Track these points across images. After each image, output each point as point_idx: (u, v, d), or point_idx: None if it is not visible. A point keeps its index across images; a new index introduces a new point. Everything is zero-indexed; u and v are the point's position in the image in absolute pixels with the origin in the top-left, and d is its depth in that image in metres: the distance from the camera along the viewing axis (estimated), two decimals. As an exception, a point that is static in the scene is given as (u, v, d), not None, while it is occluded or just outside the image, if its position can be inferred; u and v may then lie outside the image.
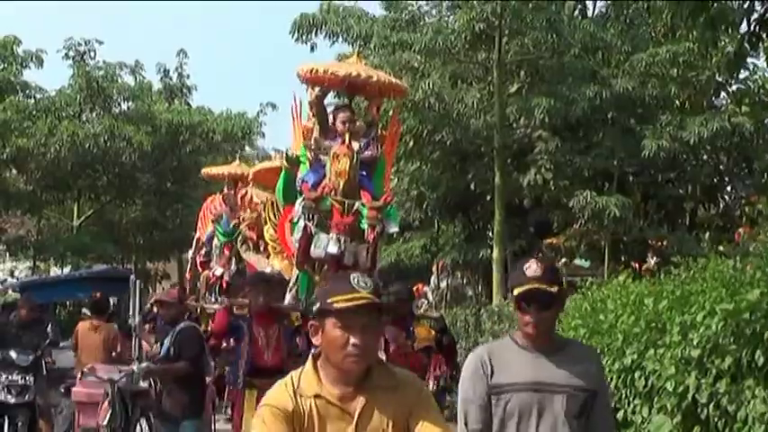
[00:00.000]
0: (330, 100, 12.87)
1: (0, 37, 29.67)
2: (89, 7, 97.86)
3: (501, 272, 21.91)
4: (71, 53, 33.68)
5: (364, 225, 11.09)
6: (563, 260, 27.78)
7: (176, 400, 10.28)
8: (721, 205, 25.85)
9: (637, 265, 22.66)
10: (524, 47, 22.28)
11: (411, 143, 22.63)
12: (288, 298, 11.95)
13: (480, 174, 22.81)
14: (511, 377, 4.75)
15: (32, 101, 29.27)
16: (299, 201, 11.48)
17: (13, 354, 14.66)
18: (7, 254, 37.65)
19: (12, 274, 44.54)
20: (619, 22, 23.42)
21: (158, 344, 11.09)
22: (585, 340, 10.60)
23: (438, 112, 21.63)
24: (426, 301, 32.80)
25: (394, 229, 11.99)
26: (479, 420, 4.78)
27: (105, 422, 11.26)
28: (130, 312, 14.68)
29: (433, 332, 12.03)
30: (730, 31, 10.83)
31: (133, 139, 29.66)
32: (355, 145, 11.44)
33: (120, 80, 34.68)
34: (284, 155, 12.23)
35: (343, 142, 11.35)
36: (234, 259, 17.50)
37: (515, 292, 4.76)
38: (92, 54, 34.06)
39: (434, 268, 38.49)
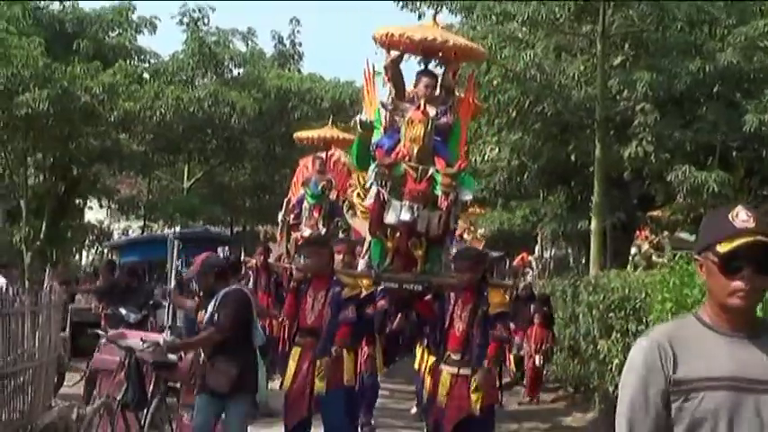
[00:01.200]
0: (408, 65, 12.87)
1: (116, 3, 30.48)
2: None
3: (599, 243, 21.93)
4: (185, 19, 34.49)
5: (438, 192, 11.15)
6: (665, 233, 27.74)
7: (222, 372, 9.43)
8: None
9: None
10: (629, 19, 22.18)
11: (514, 114, 22.69)
12: (361, 264, 12.22)
13: (581, 145, 22.79)
14: (703, 370, 3.59)
15: (142, 65, 30.05)
16: (372, 166, 11.53)
17: (122, 310, 15.39)
18: (119, 213, 38.71)
19: (126, 233, 45.92)
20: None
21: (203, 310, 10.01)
22: (671, 315, 10.78)
23: (540, 83, 21.65)
24: (531, 271, 33.02)
25: (468, 196, 11.98)
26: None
27: (120, 396, 10.14)
28: (169, 275, 13.82)
29: (508, 298, 12.06)
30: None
31: (237, 104, 30.22)
32: (431, 110, 11.49)
33: (231, 46, 35.40)
34: (358, 119, 12.24)
35: (419, 107, 11.44)
36: (323, 221, 17.92)
37: (722, 248, 3.60)
38: (205, 20, 34.88)
39: (539, 238, 38.65)
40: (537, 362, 19.70)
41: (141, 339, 10.47)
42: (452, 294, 10.69)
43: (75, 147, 29.30)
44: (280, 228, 20.20)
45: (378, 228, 11.63)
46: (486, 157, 24.35)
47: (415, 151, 11.27)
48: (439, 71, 12.67)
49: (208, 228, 34.36)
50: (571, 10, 21.08)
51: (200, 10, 34.65)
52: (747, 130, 20.44)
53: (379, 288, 11.60)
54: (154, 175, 38.25)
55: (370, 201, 11.62)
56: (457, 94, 12.54)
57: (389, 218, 11.33)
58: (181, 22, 34.36)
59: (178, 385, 10.87)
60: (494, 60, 21.11)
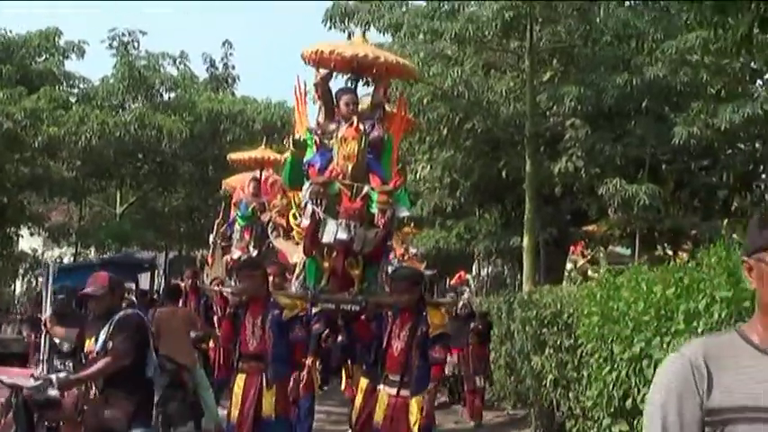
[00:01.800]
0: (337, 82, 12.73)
1: (42, 28, 30.12)
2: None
3: (532, 259, 21.96)
4: (115, 43, 34.18)
5: (374, 209, 10.99)
6: (600, 248, 27.83)
7: (117, 407, 8.40)
8: (757, 193, 25.66)
9: (671, 254, 22.63)
10: (557, 35, 22.30)
11: (445, 131, 22.68)
12: (294, 285, 12.00)
13: (512, 162, 22.86)
14: (743, 397, 2.93)
15: (70, 90, 29.69)
16: (305, 185, 11.28)
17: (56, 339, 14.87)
18: (50, 240, 38.18)
19: (61, 261, 45.30)
20: (653, 9, 23.28)
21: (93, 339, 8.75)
22: (598, 328, 10.71)
23: (468, 101, 21.65)
24: (468, 289, 33.02)
25: (404, 213, 11.82)
26: None
27: None
28: (44, 303, 12.14)
29: (447, 317, 11.87)
30: (740, 15, 10.75)
31: (164, 127, 29.99)
32: (361, 126, 11.39)
33: (162, 70, 35.14)
34: (290, 138, 12.02)
35: (351, 124, 11.25)
36: (254, 243, 17.73)
37: None
38: (135, 45, 34.58)
39: (475, 256, 38.69)
40: (477, 382, 19.35)
41: (32, 376, 9.07)
42: (389, 314, 10.52)
43: (1, 174, 28.84)
44: (211, 250, 19.98)
45: (313, 247, 11.41)
46: (418, 176, 24.32)
47: (350, 169, 11.08)
48: (366, 89, 12.59)
49: (130, 253, 33.86)
50: (498, 27, 21.08)
51: (129, 34, 34.42)
52: (677, 142, 20.57)
53: (314, 310, 11.41)
54: (86, 201, 37.81)
55: (305, 221, 11.40)
56: (388, 109, 12.42)
57: (326, 237, 11.11)
58: (110, 47, 34.11)
59: (61, 424, 9.50)
60: (422, 78, 21.05)
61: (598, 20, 21.88)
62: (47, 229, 35.40)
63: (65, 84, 31.35)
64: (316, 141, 11.70)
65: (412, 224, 24.64)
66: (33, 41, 29.55)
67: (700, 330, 6.78)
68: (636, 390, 8.29)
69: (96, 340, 8.52)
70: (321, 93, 11.88)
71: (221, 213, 20.26)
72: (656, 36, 21.73)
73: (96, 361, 8.36)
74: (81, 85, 33.14)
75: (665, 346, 7.51)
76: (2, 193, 30.14)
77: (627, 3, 23.65)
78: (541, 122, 22.14)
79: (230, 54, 39.63)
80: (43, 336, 11.04)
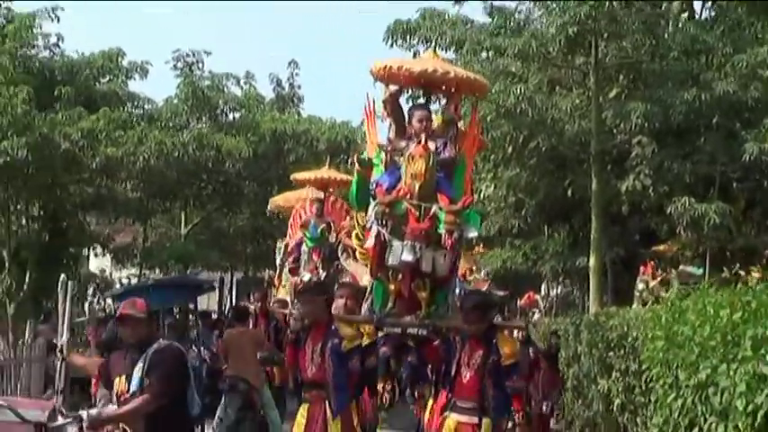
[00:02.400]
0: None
1: (105, 49, 30.19)
2: (200, 20, 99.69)
3: (598, 280, 21.48)
4: (179, 64, 34.24)
5: (442, 230, 10.71)
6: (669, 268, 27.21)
7: None
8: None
9: (744, 274, 22.01)
10: (623, 50, 21.85)
11: (510, 149, 22.31)
12: (363, 308, 11.63)
13: (578, 180, 22.40)
14: None
15: (135, 111, 29.64)
16: (372, 205, 10.76)
17: None
18: (114, 261, 38.26)
19: (129, 281, 45.48)
20: (723, 23, 22.76)
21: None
22: (662, 353, 10.27)
23: (532, 118, 21.25)
24: (537, 310, 32.55)
25: (473, 234, 11.21)
26: None
27: None
28: (60, 327, 10.90)
29: (518, 344, 11.56)
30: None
31: (223, 147, 29.85)
32: (432, 145, 10.89)
33: (226, 90, 35.11)
34: (356, 157, 11.58)
35: (419, 142, 10.84)
36: (323, 265, 17.44)
37: None
38: (199, 65, 34.59)
39: (543, 276, 38.14)
40: (544, 408, 18.67)
41: (58, 411, 7.98)
42: (458, 338, 10.20)
43: (63, 195, 28.95)
44: (278, 272, 19.76)
45: (379, 270, 10.95)
46: (482, 195, 23.94)
47: (417, 188, 10.56)
48: (435, 105, 12.20)
49: (190, 274, 33.75)
50: (563, 43, 20.67)
51: (194, 54, 34.44)
52: (747, 159, 20.01)
53: (380, 335, 11.07)
54: (151, 222, 37.85)
55: (370, 242, 11.02)
56: (460, 127, 12.04)
57: (391, 259, 10.64)
58: (175, 67, 34.19)
59: None
60: (485, 95, 20.70)
61: (666, 35, 21.37)
62: (111, 251, 35.51)
63: (129, 105, 31.27)
64: (384, 160, 11.30)
65: (481, 244, 24.32)
66: (97, 62, 29.61)
67: (768, 357, 6.42)
68: (702, 419, 7.88)
69: (128, 378, 7.64)
70: (391, 109, 11.39)
71: (288, 234, 20.00)
72: (725, 50, 21.21)
73: (131, 400, 7.53)
74: (146, 106, 33.20)
75: (731, 373, 7.11)
76: (63, 213, 30.17)
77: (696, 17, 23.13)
78: (608, 140, 21.66)
79: (296, 74, 39.52)
80: (59, 364, 9.55)
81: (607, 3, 20.24)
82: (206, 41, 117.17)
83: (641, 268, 25.72)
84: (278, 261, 19.46)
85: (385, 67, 11.25)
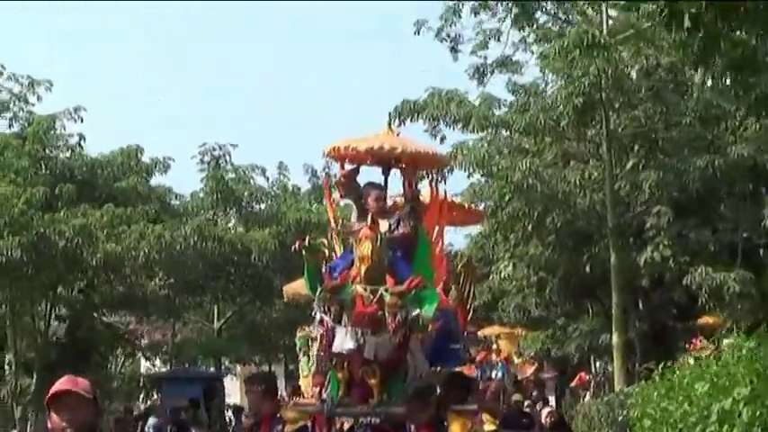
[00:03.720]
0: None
1: (124, 146, 30.15)
2: (231, 111, 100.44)
3: (622, 357, 20.72)
4: (206, 158, 34.18)
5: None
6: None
7: None
8: None
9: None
10: (636, 120, 21.35)
11: (530, 227, 21.81)
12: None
13: (599, 255, 21.76)
14: None
15: (152, 207, 29.33)
16: (317, 292, 10.69)
17: None
18: (144, 359, 37.95)
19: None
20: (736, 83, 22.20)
21: None
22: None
23: (542, 193, 20.74)
24: (587, 392, 31.66)
25: (427, 315, 10.71)
26: None
27: None
28: None
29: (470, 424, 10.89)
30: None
31: (224, 238, 29.50)
32: (383, 225, 10.44)
33: (252, 182, 34.98)
34: (300, 244, 10.98)
35: (366, 224, 10.42)
36: None
37: None
38: (226, 158, 34.50)
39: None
40: None
41: None
42: (413, 427, 9.64)
43: (87, 295, 28.88)
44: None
45: (328, 358, 10.59)
46: (501, 275, 23.38)
47: (364, 271, 10.20)
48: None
49: (190, 367, 33.20)
50: (571, 115, 20.21)
51: (221, 147, 34.37)
52: (767, 224, 19.35)
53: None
54: (182, 317, 37.58)
55: (319, 330, 10.58)
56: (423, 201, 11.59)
57: (335, 346, 10.25)
58: (202, 161, 34.11)
59: None
60: (493, 173, 20.37)
61: (678, 101, 20.85)
62: (140, 349, 35.27)
63: (154, 201, 31.02)
64: (336, 243, 10.91)
65: (520, 327, 23.85)
66: (116, 161, 29.62)
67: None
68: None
69: None
70: (346, 190, 11.01)
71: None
72: (739, 114, 20.64)
73: None
74: (173, 202, 33.13)
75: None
76: (90, 313, 30.02)
77: (709, 83, 22.58)
78: (624, 212, 21.06)
79: (330, 164, 39.40)
80: None
81: (610, 70, 19.77)
82: (238, 133, 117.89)
83: (692, 343, 24.83)
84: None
85: (334, 148, 10.90)
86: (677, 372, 10.04)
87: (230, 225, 33.35)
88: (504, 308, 24.71)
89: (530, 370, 20.38)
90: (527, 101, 22.24)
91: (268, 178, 35.97)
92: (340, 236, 11.01)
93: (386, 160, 11.13)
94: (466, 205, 13.44)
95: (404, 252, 10.55)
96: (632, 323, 21.92)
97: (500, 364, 19.00)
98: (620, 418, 14.56)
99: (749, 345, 7.29)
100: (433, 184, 12.11)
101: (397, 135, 11.86)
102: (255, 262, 32.04)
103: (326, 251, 11.12)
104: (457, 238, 31.26)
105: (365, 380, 10.26)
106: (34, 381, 26.72)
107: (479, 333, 18.39)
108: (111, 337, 31.42)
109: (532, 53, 24.39)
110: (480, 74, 24.85)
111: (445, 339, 10.85)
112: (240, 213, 33.90)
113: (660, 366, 10.33)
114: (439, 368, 10.87)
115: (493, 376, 17.86)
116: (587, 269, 21.83)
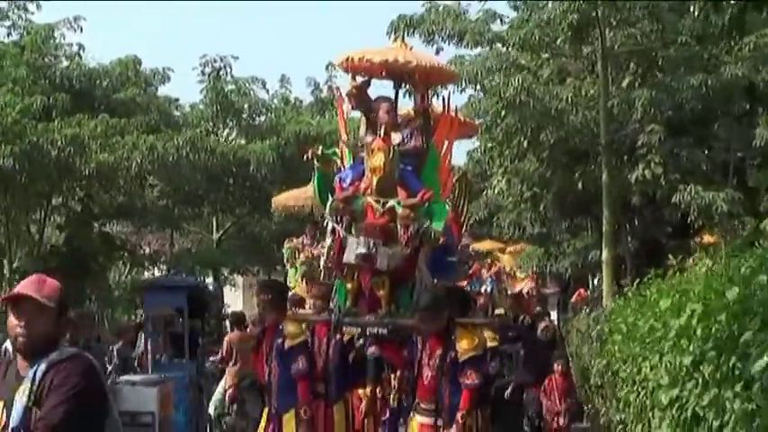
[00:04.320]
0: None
1: (122, 56, 29.99)
2: (235, 22, 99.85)
3: (611, 274, 20.90)
4: (207, 69, 34.06)
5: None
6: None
7: None
8: None
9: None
10: (632, 37, 21.26)
11: (525, 143, 21.84)
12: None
13: (591, 172, 21.81)
14: None
15: (152, 118, 29.23)
16: (329, 202, 10.48)
17: None
18: (140, 269, 38.13)
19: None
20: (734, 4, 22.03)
21: None
22: (618, 345, 9.90)
23: (535, 109, 20.71)
24: (586, 307, 31.90)
25: (437, 228, 10.75)
26: None
27: None
28: None
29: (487, 337, 10.95)
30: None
31: (217, 150, 29.43)
32: (395, 137, 10.42)
33: (252, 94, 34.89)
34: (312, 152, 11.01)
35: (379, 135, 10.42)
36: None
37: None
38: (227, 70, 34.37)
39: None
40: (560, 422, 15.99)
41: None
42: (419, 338, 9.78)
43: (86, 205, 29.11)
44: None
45: (338, 268, 10.69)
46: (495, 190, 23.47)
47: (376, 182, 10.18)
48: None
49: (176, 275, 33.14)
50: (566, 31, 20.15)
51: (222, 59, 34.23)
52: (758, 144, 19.38)
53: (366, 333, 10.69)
54: (182, 228, 37.77)
55: (328, 240, 10.67)
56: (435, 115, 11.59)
57: (346, 256, 10.33)
58: (203, 73, 34.00)
59: None
60: (488, 89, 20.35)
61: (674, 20, 20.74)
62: (139, 258, 35.43)
63: (155, 112, 30.86)
64: (343, 153, 10.99)
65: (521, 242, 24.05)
66: (114, 71, 29.47)
67: (690, 349, 5.99)
68: (651, 413, 7.53)
69: (8, 405, 4.82)
70: (357, 102, 10.99)
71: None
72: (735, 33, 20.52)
73: None
74: (175, 112, 33.13)
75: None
76: (88, 223, 30.18)
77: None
78: (618, 130, 21.07)
79: (334, 77, 39.24)
80: None
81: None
82: (242, 45, 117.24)
83: (683, 260, 24.91)
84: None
85: (347, 58, 10.93)
86: (650, 289, 10.24)
87: (231, 137, 33.32)
88: (500, 223, 24.81)
89: (519, 285, 20.34)
90: (529, 15, 22.05)
91: (268, 91, 35.90)
92: (348, 147, 11.12)
93: (399, 74, 11.16)
94: (462, 118, 13.40)
95: (413, 165, 10.64)
96: (624, 240, 22.01)
97: (489, 279, 19.16)
98: (593, 333, 14.70)
99: (707, 262, 7.43)
100: (446, 98, 12.20)
101: (410, 49, 11.93)
102: (254, 174, 32.04)
103: (338, 161, 11.25)
104: (456, 153, 31.35)
105: (373, 291, 10.38)
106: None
107: (472, 246, 18.55)
108: (109, 246, 31.54)
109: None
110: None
111: (442, 252, 10.98)
112: (240, 126, 33.89)
113: (635, 283, 10.54)
114: (436, 281, 11.02)
115: (482, 291, 17.99)
116: (580, 186, 21.86)
